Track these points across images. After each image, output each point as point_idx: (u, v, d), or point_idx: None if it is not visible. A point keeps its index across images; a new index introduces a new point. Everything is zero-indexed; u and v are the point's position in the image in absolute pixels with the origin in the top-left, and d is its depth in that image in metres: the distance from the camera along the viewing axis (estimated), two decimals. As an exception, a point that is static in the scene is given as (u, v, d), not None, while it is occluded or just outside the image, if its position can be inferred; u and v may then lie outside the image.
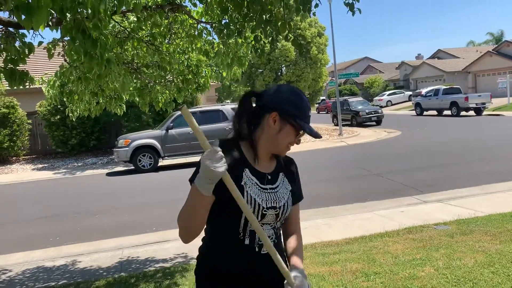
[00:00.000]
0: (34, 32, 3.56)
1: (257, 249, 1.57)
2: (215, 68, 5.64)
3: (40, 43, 3.94)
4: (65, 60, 4.26)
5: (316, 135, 1.59)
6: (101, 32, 2.79)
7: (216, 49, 4.68)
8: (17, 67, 3.74)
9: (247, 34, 3.62)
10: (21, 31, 3.63)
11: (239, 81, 26.15)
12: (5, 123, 15.37)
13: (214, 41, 4.72)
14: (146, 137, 13.38)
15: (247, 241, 1.56)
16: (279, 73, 25.34)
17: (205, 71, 5.23)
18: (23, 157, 16.74)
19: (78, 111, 5.36)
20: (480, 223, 5.27)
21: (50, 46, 4.04)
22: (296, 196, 1.72)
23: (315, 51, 24.02)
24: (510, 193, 6.79)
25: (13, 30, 3.61)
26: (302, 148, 16.41)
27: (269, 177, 1.64)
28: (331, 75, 31.67)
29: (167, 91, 5.12)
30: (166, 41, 4.75)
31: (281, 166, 1.72)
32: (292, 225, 1.73)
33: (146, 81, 5.00)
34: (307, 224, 6.07)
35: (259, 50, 3.33)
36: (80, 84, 4.43)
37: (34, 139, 16.99)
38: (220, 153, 1.37)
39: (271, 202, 1.59)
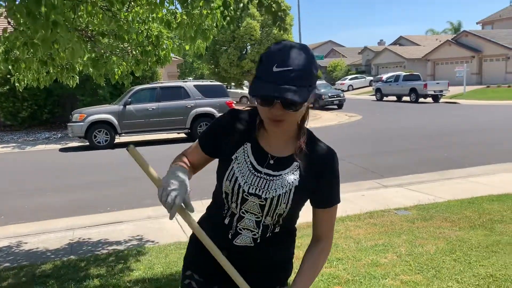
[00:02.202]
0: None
1: (230, 235, 1.39)
2: (177, 41, 5.31)
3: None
4: (9, 23, 3.83)
5: (285, 101, 1.19)
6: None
7: (179, 20, 4.37)
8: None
9: (214, 4, 3.33)
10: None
11: (202, 57, 25.59)
12: None
13: (177, 11, 4.40)
14: (102, 112, 12.78)
15: (226, 221, 1.40)
16: (244, 52, 24.96)
17: (166, 44, 4.91)
18: (-32, 129, 15.71)
19: (25, 81, 4.92)
20: (440, 209, 5.32)
21: (-9, 5, 3.60)
22: (320, 198, 1.41)
23: (280, 31, 23.77)
24: (468, 179, 6.93)
25: None
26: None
27: (272, 161, 1.37)
28: (295, 57, 31.51)
29: (124, 63, 4.77)
30: (124, 8, 4.39)
31: (305, 155, 1.37)
32: (317, 228, 1.45)
33: (102, 51, 4.63)
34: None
35: (228, 18, 3.07)
36: (26, 51, 4.01)
37: (-20, 110, 15.94)
38: (172, 186, 1.27)
39: (256, 189, 1.34)
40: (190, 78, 32.99)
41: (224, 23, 3.20)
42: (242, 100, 29.11)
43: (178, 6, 4.20)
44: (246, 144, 1.39)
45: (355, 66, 53.75)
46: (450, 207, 5.37)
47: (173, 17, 4.44)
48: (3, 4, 3.43)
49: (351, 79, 45.07)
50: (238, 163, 1.37)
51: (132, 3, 4.39)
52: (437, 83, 26.67)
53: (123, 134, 12.87)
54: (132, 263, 4.15)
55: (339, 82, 44.26)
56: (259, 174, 1.36)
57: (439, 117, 17.83)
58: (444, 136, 12.02)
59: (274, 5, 2.40)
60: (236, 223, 1.38)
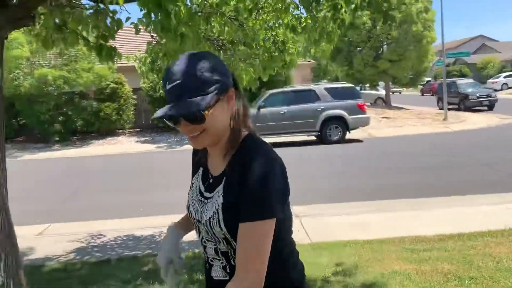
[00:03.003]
0: (120, 7, 3.60)
1: (208, 268, 1.32)
2: (303, 45, 5.37)
3: (127, 18, 4.01)
4: (152, 37, 4.32)
5: (162, 116, 1.12)
6: (176, 5, 2.70)
7: (303, 24, 4.42)
8: (107, 43, 3.84)
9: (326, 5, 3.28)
10: (111, 7, 3.71)
11: (335, 59, 25.32)
12: (113, 97, 16.63)
13: (302, 15, 4.45)
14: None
15: (203, 253, 1.33)
16: (380, 52, 24.02)
17: (292, 48, 5.00)
18: (128, 130, 18.05)
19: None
20: None
21: (138, 22, 4.10)
22: (238, 212, 1.13)
23: (420, 28, 22.28)
24: None
25: (103, 7, 3.69)
26: (400, 132, 15.48)
27: (211, 180, 1.27)
28: (439, 55, 29.26)
29: (252, 69, 4.98)
30: (252, 16, 4.60)
31: (232, 167, 1.20)
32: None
33: (232, 58, 4.91)
34: (396, 215, 5.63)
35: (338, 21, 3.00)
36: (166, 61, 4.47)
37: (139, 113, 18.19)
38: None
39: (197, 213, 1.27)
40: (324, 81, 32.98)
41: (335, 26, 3.13)
42: (377, 102, 28.04)
43: (303, 10, 4.26)
44: (200, 169, 1.35)
45: (511, 62, 47.59)
46: None
47: (298, 22, 4.51)
48: (144, 21, 3.86)
49: (505, 76, 40.01)
50: (192, 190, 1.34)
51: (259, 10, 4.57)
52: None
53: (256, 136, 13.43)
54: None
55: (490, 80, 39.68)
56: (202, 198, 1.27)
57: None
58: None
59: (384, 3, 2.27)
60: (206, 253, 1.29)
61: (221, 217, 1.17)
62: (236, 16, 4.20)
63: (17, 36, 13.49)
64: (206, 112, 1.12)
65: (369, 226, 5.27)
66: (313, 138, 14.11)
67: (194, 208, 1.29)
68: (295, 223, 1.52)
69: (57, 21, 3.61)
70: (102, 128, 16.90)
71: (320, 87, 13.90)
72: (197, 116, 1.12)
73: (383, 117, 19.26)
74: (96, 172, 11.16)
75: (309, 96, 13.37)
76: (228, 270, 1.22)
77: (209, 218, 1.20)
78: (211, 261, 1.27)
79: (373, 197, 6.69)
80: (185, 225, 1.46)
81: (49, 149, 15.61)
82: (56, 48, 3.91)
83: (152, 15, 2.72)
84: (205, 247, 1.28)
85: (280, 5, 4.24)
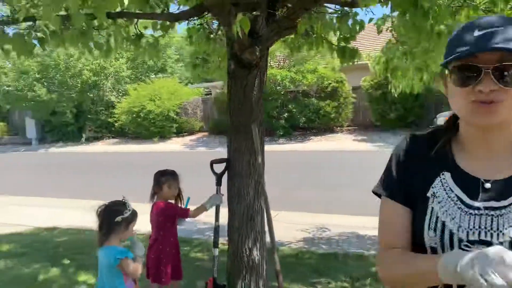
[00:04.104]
0: (366, 9, 3.65)
1: None
2: None
3: (370, 19, 4.04)
4: (393, 36, 4.25)
5: (481, 47, 0.87)
6: (434, 3, 2.57)
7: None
8: (348, 45, 3.96)
9: None
10: (354, 9, 3.80)
11: None
12: (333, 96, 17.18)
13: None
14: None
15: None
16: None
17: None
18: (346, 128, 18.39)
19: (400, 87, 5.33)
20: None
21: (379, 22, 4.09)
22: None
23: None
24: None
25: (348, 9, 3.81)
26: None
27: (489, 185, 0.95)
28: None
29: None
30: (508, 7, 4.04)
31: None
32: None
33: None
34: None
35: None
36: (405, 60, 4.35)
37: (357, 112, 18.33)
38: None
39: (480, 233, 0.92)
40: None
41: None
42: None
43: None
44: (442, 173, 1.01)
45: None
46: None
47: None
48: (389, 20, 3.81)
49: None
50: (438, 202, 0.99)
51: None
52: None
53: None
54: None
55: None
56: (476, 211, 0.94)
57: None
58: None
59: None
60: None
61: None
62: (490, 8, 3.76)
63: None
64: None
65: None
66: None
67: (460, 225, 0.95)
68: None
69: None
70: (322, 125, 17.69)
71: None
72: None
73: None
74: (316, 167, 11.75)
75: None
76: None
77: None
78: None
79: None
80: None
81: (274, 142, 17.20)
82: (298, 52, 4.20)
83: (407, 15, 2.66)
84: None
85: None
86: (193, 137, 19.75)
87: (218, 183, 3.07)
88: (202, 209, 3.10)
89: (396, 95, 5.55)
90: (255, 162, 3.01)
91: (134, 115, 19.34)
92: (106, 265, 2.29)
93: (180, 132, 20.07)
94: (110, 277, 2.29)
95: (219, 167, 3.15)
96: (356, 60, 3.95)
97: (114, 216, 2.29)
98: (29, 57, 3.12)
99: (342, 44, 3.91)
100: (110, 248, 2.28)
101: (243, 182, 3.02)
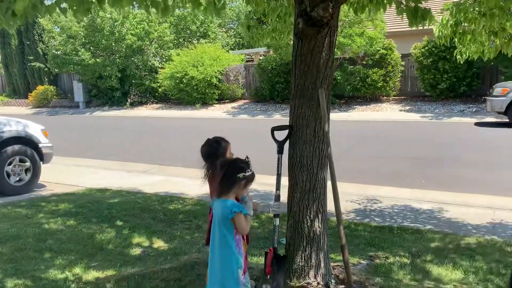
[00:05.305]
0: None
1: None
2: None
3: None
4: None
5: None
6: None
7: None
8: (419, 5, 3.65)
9: None
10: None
11: None
12: (381, 64, 16.49)
13: None
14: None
15: None
16: None
17: None
18: (393, 97, 17.71)
19: (467, 53, 4.95)
20: None
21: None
22: None
23: None
24: None
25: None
26: None
27: None
28: None
29: None
30: None
31: None
32: None
33: None
34: None
35: None
36: (479, 22, 3.98)
37: (405, 81, 17.57)
38: None
39: None
40: None
41: None
42: None
43: None
44: None
45: None
46: None
47: None
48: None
49: None
50: None
51: None
52: None
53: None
54: None
55: None
56: None
57: None
58: None
59: None
60: None
61: None
62: None
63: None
64: None
65: None
66: None
67: None
68: None
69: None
70: (367, 94, 17.12)
71: None
72: None
73: None
74: (361, 137, 11.42)
75: None
76: None
77: None
78: None
79: None
80: None
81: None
82: (362, 12, 3.90)
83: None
84: None
85: None
86: (235, 104, 19.63)
87: (280, 151, 2.93)
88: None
89: (461, 62, 5.16)
90: (319, 130, 2.84)
91: (177, 81, 19.40)
92: (221, 216, 2.38)
93: (222, 99, 20.00)
94: (222, 228, 2.40)
95: (280, 135, 3.01)
96: (427, 22, 3.63)
97: (237, 172, 2.39)
98: (86, 15, 3.03)
99: (413, 3, 3.59)
100: (228, 201, 2.38)
101: (305, 151, 2.87)
